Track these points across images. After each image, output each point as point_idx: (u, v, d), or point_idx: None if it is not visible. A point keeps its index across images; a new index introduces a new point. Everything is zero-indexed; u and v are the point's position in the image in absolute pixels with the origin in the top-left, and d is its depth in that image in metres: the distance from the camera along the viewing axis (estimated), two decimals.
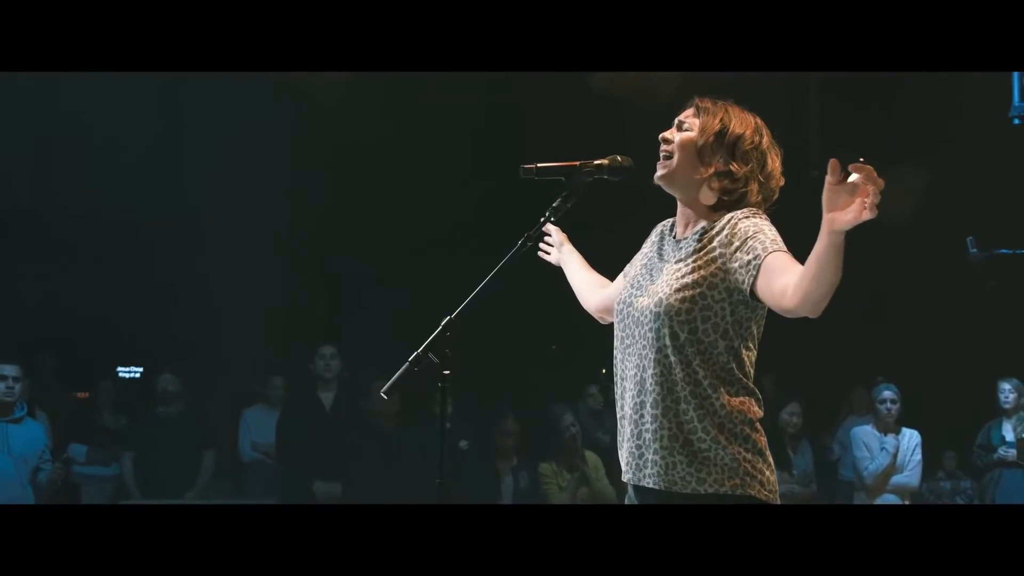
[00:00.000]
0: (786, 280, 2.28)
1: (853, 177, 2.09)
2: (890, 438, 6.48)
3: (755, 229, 2.40)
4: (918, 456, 6.53)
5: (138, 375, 10.37)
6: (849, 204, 2.10)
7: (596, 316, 2.92)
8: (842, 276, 2.16)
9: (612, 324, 2.63)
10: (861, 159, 2.08)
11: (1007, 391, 6.89)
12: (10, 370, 5.57)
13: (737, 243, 2.40)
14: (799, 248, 2.34)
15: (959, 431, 7.34)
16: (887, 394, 6.57)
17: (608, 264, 2.94)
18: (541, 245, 3.08)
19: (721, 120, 2.52)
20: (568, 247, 3.05)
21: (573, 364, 8.85)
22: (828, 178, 2.13)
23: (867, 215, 2.08)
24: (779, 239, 2.40)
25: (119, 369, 10.35)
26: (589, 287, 2.94)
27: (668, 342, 2.41)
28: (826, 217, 2.14)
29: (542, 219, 2.76)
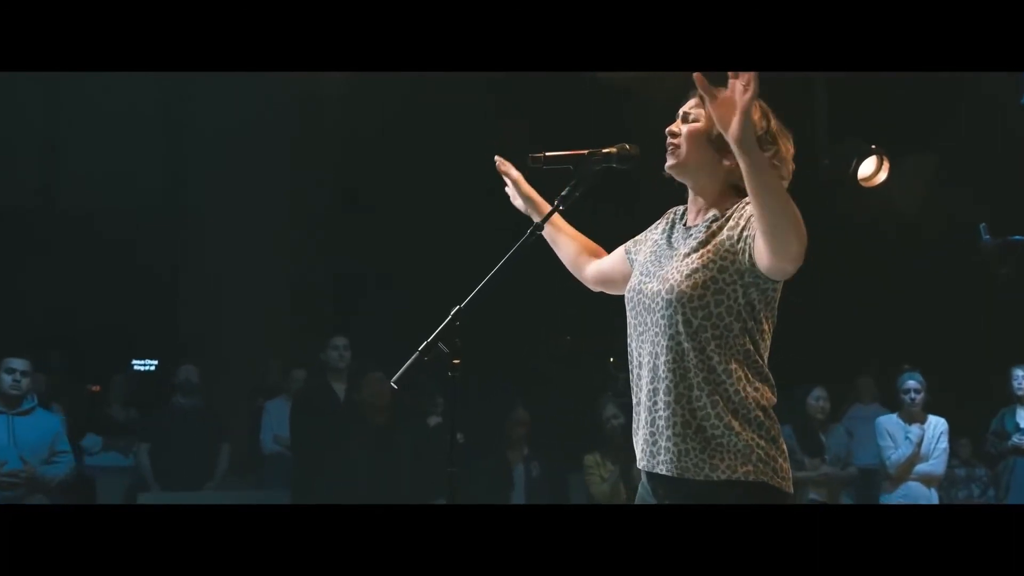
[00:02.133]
0: None
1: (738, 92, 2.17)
2: (915, 427, 6.42)
3: None
4: (944, 444, 6.46)
5: (153, 368, 10.47)
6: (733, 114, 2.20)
7: (590, 285, 2.91)
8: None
9: (618, 305, 2.61)
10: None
11: (1021, 378, 6.84)
12: (18, 364, 5.62)
13: (743, 223, 2.40)
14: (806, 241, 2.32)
15: (973, 418, 7.31)
16: (911, 383, 6.49)
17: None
18: (499, 167, 2.97)
19: None
20: (537, 197, 2.94)
21: (585, 354, 8.86)
22: (708, 101, 2.24)
23: (744, 103, 2.16)
24: None
25: (134, 362, 10.45)
26: (579, 252, 2.91)
27: (681, 328, 2.40)
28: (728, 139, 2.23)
29: (550, 208, 2.75)
